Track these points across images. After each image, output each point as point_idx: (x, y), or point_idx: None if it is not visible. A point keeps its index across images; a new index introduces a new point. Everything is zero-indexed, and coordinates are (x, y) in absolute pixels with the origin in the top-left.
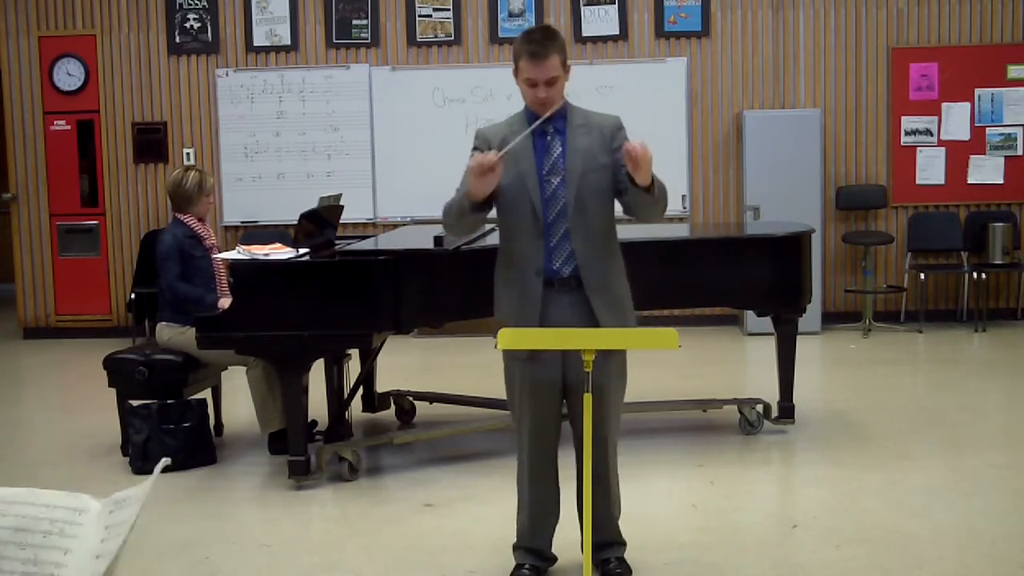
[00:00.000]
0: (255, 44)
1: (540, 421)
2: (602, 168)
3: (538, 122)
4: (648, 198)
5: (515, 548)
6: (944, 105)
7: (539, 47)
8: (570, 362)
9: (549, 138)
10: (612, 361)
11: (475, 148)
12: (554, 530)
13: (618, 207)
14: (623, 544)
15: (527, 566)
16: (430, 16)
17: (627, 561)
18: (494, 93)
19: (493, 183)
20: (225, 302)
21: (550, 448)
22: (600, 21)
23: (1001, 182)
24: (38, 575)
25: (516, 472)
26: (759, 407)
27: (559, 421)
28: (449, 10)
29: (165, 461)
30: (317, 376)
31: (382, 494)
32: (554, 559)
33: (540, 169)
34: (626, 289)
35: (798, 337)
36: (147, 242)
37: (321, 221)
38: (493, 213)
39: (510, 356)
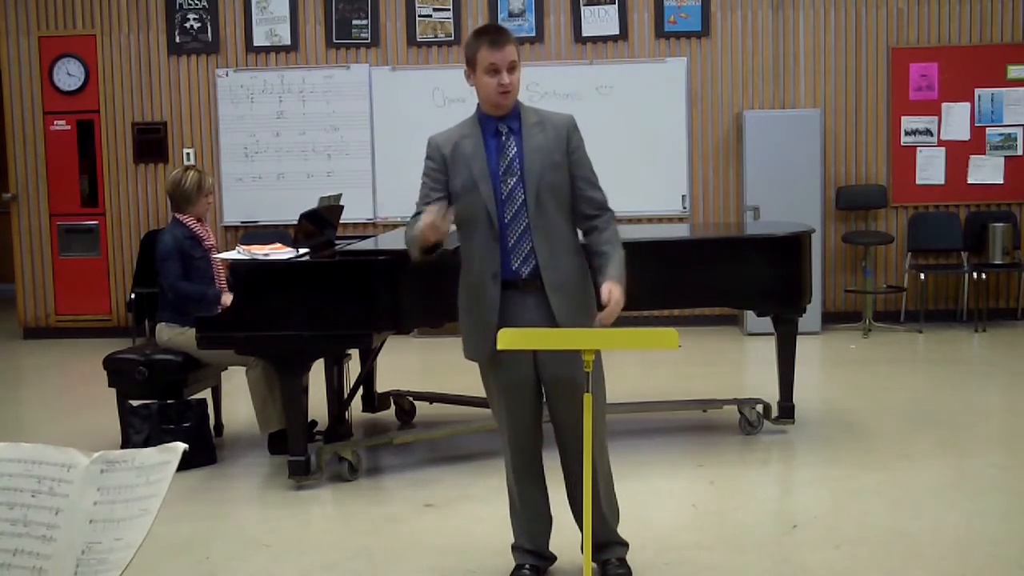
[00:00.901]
0: (255, 44)
1: (517, 422)
2: (559, 166)
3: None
4: (566, 215)
5: (513, 549)
6: (944, 105)
7: (497, 35)
8: (542, 361)
9: (503, 138)
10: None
11: (428, 158)
12: (549, 530)
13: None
14: (624, 545)
15: (527, 566)
16: (430, 16)
17: (628, 562)
18: None
19: (445, 233)
20: (227, 298)
21: (531, 448)
22: (600, 21)
23: (1001, 182)
24: (29, 536)
25: (505, 475)
26: (759, 407)
27: (538, 422)
28: (449, 10)
29: (182, 447)
30: (317, 376)
31: (382, 494)
32: (553, 558)
33: (496, 170)
34: (590, 289)
35: (798, 337)
36: (147, 242)
37: (321, 221)
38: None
39: (481, 362)
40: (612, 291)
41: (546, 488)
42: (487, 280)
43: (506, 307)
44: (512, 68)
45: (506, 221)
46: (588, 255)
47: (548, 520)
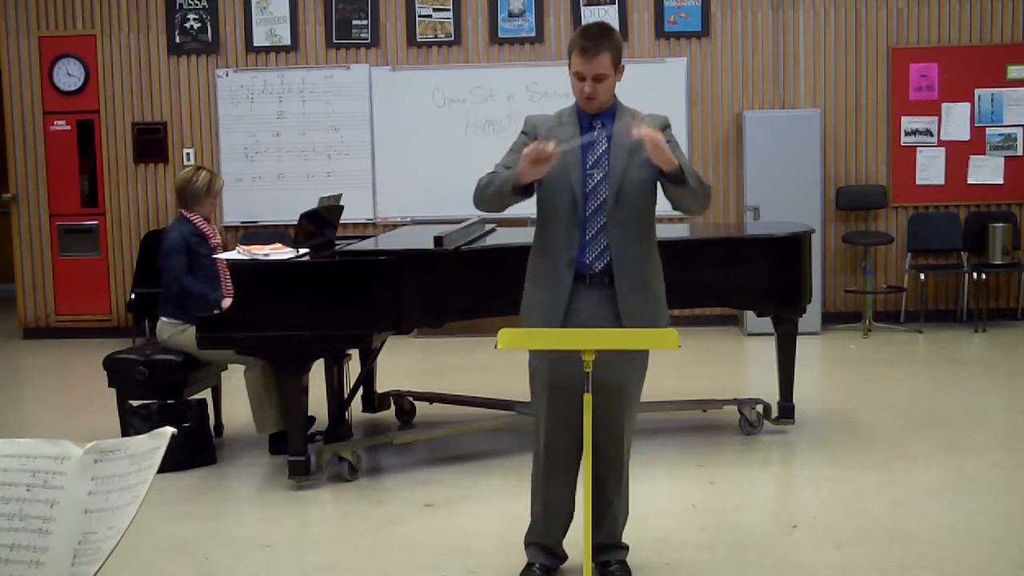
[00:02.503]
0: (255, 44)
1: (558, 422)
2: (645, 164)
3: (589, 137)
4: (680, 191)
5: (527, 544)
6: (944, 105)
7: (591, 43)
8: (596, 367)
9: (596, 133)
10: (634, 360)
11: (523, 132)
12: (567, 528)
13: (666, 203)
14: (625, 548)
15: (537, 565)
16: (430, 16)
17: (628, 565)
18: (494, 93)
19: (544, 172)
20: (228, 303)
21: (567, 449)
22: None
23: (1001, 182)
24: (25, 530)
25: (532, 464)
26: (759, 407)
27: (580, 424)
28: (449, 10)
29: (170, 430)
30: (317, 376)
31: (382, 494)
32: (564, 557)
33: (584, 162)
34: (661, 291)
35: (798, 337)
36: (147, 242)
37: (321, 221)
38: (485, 214)
39: (534, 352)
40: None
41: (575, 488)
42: (563, 267)
43: (575, 298)
44: (599, 79)
45: (587, 214)
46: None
47: (569, 518)
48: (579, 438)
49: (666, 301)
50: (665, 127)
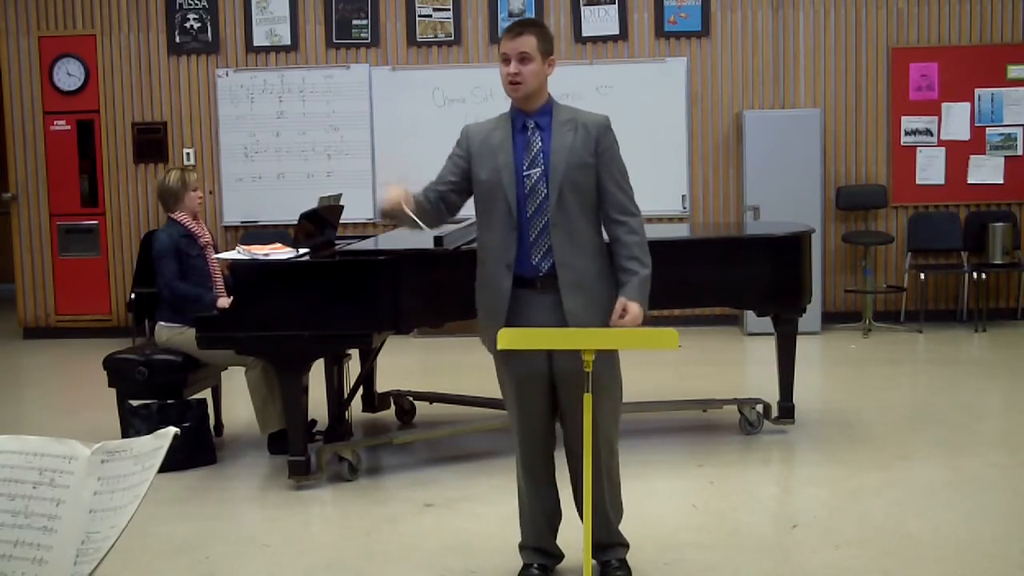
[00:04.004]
0: (255, 44)
1: (528, 416)
2: (586, 167)
3: (418, 223)
4: (592, 213)
5: (521, 548)
6: (944, 105)
7: (517, 26)
8: (556, 357)
9: (530, 133)
10: (600, 361)
11: (456, 143)
12: (557, 528)
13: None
14: (625, 546)
15: (535, 565)
16: (430, 16)
17: (628, 563)
18: (494, 93)
19: (392, 210)
20: (224, 302)
21: (541, 444)
22: (600, 21)
23: (1001, 182)
24: (30, 528)
25: (515, 473)
26: (759, 407)
27: (551, 418)
28: (449, 10)
29: (173, 430)
30: (317, 376)
31: (382, 494)
32: (561, 556)
33: (520, 163)
34: (608, 292)
35: (798, 337)
36: (147, 242)
37: (321, 221)
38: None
39: (496, 354)
40: (628, 309)
41: (555, 486)
42: (500, 270)
43: (519, 303)
44: (523, 59)
45: (528, 215)
46: (613, 266)
47: (556, 518)
48: (550, 434)
49: (610, 304)
50: (607, 129)
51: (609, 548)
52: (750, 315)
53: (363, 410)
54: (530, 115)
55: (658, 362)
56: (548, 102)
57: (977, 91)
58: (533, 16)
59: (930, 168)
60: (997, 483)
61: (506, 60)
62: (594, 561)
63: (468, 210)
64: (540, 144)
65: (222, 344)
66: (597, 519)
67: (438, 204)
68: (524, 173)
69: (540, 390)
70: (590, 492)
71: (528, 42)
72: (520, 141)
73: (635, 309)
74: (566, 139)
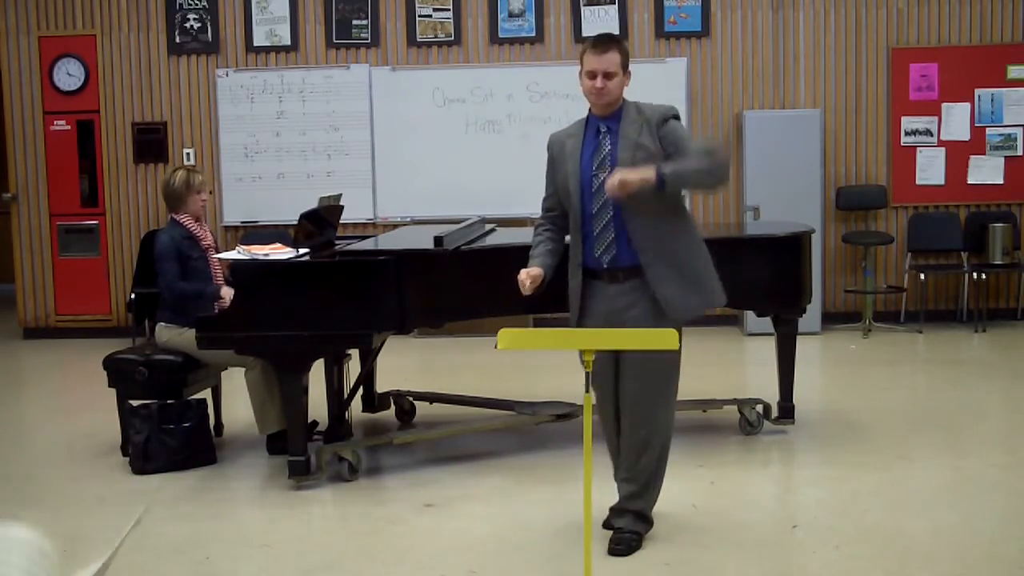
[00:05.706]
0: (255, 44)
1: (598, 390)
2: (651, 155)
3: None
4: (671, 195)
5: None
6: (944, 105)
7: (602, 43)
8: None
9: (601, 136)
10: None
11: (548, 149)
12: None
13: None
14: (645, 521)
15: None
16: (430, 16)
17: (637, 537)
18: (494, 93)
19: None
20: (227, 291)
21: (608, 418)
22: (600, 21)
23: (1001, 182)
24: None
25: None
26: (759, 407)
27: (614, 395)
28: (449, 10)
29: (139, 514)
30: (317, 376)
31: (382, 494)
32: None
33: (588, 165)
34: (699, 271)
35: (798, 337)
36: (147, 242)
37: (321, 221)
38: (480, 212)
39: None
40: (620, 172)
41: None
42: (574, 267)
43: (588, 295)
44: (609, 76)
45: (592, 212)
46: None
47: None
48: (615, 410)
49: (712, 280)
50: (667, 118)
51: (627, 515)
52: (750, 315)
53: (363, 410)
54: (604, 120)
55: None
56: (620, 106)
57: (977, 91)
58: (532, 16)
59: (930, 168)
60: (997, 483)
61: (592, 76)
62: (612, 523)
63: (468, 210)
64: (609, 148)
65: (222, 344)
66: (637, 481)
67: (557, 240)
68: (592, 174)
69: (606, 370)
70: (590, 487)
71: (613, 60)
72: (592, 144)
73: (627, 174)
74: (632, 136)
